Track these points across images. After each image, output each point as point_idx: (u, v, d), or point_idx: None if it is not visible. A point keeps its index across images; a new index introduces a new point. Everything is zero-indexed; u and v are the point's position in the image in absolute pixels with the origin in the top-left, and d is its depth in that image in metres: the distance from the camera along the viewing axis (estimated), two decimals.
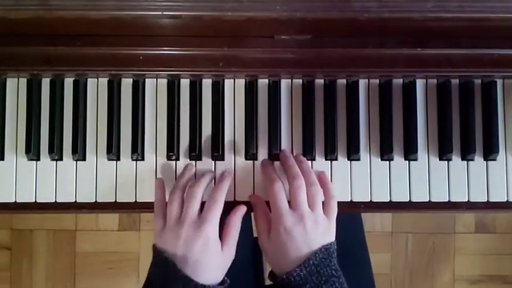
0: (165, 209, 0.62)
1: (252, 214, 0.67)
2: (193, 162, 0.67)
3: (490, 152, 0.67)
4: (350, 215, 0.87)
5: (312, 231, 0.59)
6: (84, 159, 0.68)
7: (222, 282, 0.60)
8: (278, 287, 0.60)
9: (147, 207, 0.66)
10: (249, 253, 0.87)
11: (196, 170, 0.67)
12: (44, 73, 0.67)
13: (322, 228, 0.60)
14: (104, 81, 0.68)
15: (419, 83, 0.69)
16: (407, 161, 0.68)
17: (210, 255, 0.59)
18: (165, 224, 0.61)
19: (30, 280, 1.56)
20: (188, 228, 0.58)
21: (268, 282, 0.92)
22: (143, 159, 0.68)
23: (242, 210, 0.64)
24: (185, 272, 0.56)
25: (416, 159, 0.68)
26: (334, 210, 0.62)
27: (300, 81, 0.69)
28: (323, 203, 0.62)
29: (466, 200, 0.67)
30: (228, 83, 0.69)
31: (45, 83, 0.68)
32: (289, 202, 0.61)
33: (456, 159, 0.68)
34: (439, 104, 0.68)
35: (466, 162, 0.68)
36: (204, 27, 0.62)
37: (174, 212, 0.60)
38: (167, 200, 0.62)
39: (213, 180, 0.66)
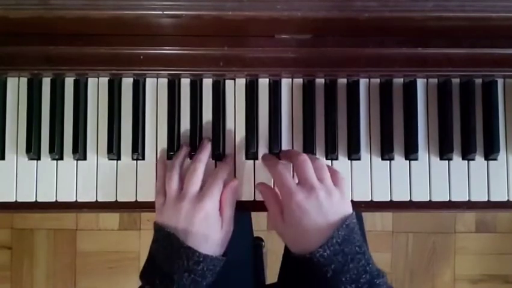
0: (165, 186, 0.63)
1: (254, 212, 0.67)
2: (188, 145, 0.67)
3: (490, 151, 0.67)
4: None
5: (326, 201, 0.57)
6: (85, 158, 0.68)
7: (224, 255, 0.61)
8: (298, 264, 0.58)
9: (148, 206, 0.66)
10: (249, 253, 0.87)
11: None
12: (44, 72, 0.67)
13: (336, 197, 0.58)
14: (104, 80, 0.68)
15: (420, 83, 0.69)
16: (408, 161, 0.68)
17: (210, 230, 0.59)
18: (165, 199, 0.62)
19: (30, 279, 1.57)
20: (188, 202, 0.59)
21: (268, 282, 0.92)
22: (143, 158, 0.68)
23: (233, 184, 0.64)
24: (188, 244, 0.57)
25: (416, 159, 0.68)
26: (343, 181, 0.61)
27: (301, 80, 0.69)
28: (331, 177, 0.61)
29: (467, 199, 0.67)
30: (229, 83, 0.69)
31: (46, 82, 0.68)
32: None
33: (457, 159, 0.68)
34: (440, 103, 0.68)
35: (466, 161, 0.68)
36: (205, 27, 0.62)
37: (174, 187, 0.61)
38: None
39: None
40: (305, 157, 0.60)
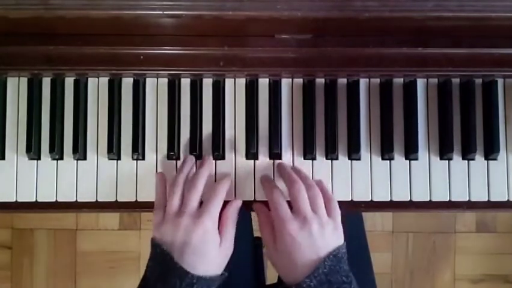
0: (166, 202, 0.62)
1: (253, 213, 0.67)
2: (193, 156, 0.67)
3: (490, 151, 0.67)
4: (350, 215, 0.87)
5: (318, 234, 0.57)
6: (85, 158, 0.68)
7: (222, 275, 0.60)
8: None
9: (148, 206, 0.66)
10: (249, 253, 0.87)
11: (196, 162, 0.67)
12: (44, 72, 0.67)
13: (328, 230, 0.58)
14: (104, 80, 0.68)
15: (420, 83, 0.69)
16: (408, 161, 0.68)
17: (208, 248, 0.58)
18: (164, 215, 0.61)
19: (31, 279, 1.57)
20: (188, 218, 0.58)
21: (268, 282, 0.92)
22: (143, 158, 0.68)
23: (237, 203, 0.64)
24: (182, 264, 0.56)
25: (416, 159, 0.68)
26: (336, 211, 0.61)
27: (301, 80, 0.69)
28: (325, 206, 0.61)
29: (467, 199, 0.67)
30: (229, 83, 0.69)
31: (46, 82, 0.68)
32: (291, 209, 0.60)
33: (457, 159, 0.68)
34: (440, 103, 0.68)
35: (466, 161, 0.68)
36: (205, 27, 0.62)
37: (175, 203, 0.60)
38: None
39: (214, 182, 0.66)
40: (300, 186, 0.60)
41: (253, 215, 0.67)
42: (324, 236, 0.58)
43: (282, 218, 0.59)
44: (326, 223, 0.59)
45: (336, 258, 0.57)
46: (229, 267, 0.62)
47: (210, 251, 0.59)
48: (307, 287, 0.55)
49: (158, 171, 0.67)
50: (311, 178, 0.66)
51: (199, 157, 0.68)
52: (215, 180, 0.67)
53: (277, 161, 0.67)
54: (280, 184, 0.65)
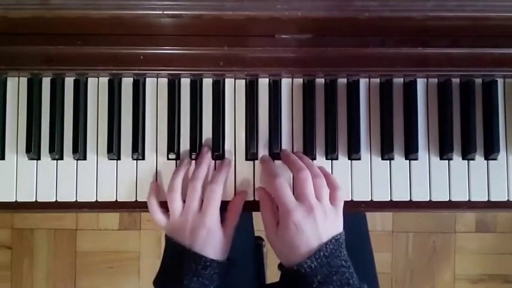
0: (161, 208, 0.65)
1: (254, 212, 0.67)
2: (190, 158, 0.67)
3: (490, 151, 0.67)
4: (353, 213, 0.87)
5: (322, 223, 0.58)
6: (85, 158, 0.68)
7: (228, 260, 0.63)
8: (286, 277, 0.60)
9: (148, 206, 0.66)
10: (250, 253, 0.87)
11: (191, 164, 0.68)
12: (44, 72, 0.67)
13: (330, 219, 0.60)
14: (104, 80, 0.68)
15: (420, 82, 0.69)
16: (408, 161, 0.68)
17: (213, 241, 0.62)
18: (168, 218, 0.64)
19: (31, 279, 1.57)
20: (192, 220, 0.62)
21: (268, 281, 0.92)
22: (143, 158, 0.68)
23: (243, 196, 0.66)
24: (195, 251, 0.60)
25: (416, 159, 0.68)
26: (340, 200, 0.62)
27: (301, 80, 0.69)
28: (329, 194, 0.62)
29: (467, 199, 0.67)
30: (229, 83, 0.69)
31: (46, 82, 0.68)
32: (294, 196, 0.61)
33: (457, 159, 0.68)
34: (440, 103, 0.68)
35: (466, 161, 0.68)
36: (205, 27, 0.62)
37: (177, 208, 0.63)
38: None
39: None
40: (307, 175, 0.61)
41: (254, 214, 0.67)
42: (327, 224, 0.59)
43: (287, 206, 0.59)
44: (328, 212, 0.60)
45: (338, 242, 0.59)
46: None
47: (215, 244, 0.62)
48: (308, 268, 0.56)
49: (158, 172, 0.67)
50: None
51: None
52: None
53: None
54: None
